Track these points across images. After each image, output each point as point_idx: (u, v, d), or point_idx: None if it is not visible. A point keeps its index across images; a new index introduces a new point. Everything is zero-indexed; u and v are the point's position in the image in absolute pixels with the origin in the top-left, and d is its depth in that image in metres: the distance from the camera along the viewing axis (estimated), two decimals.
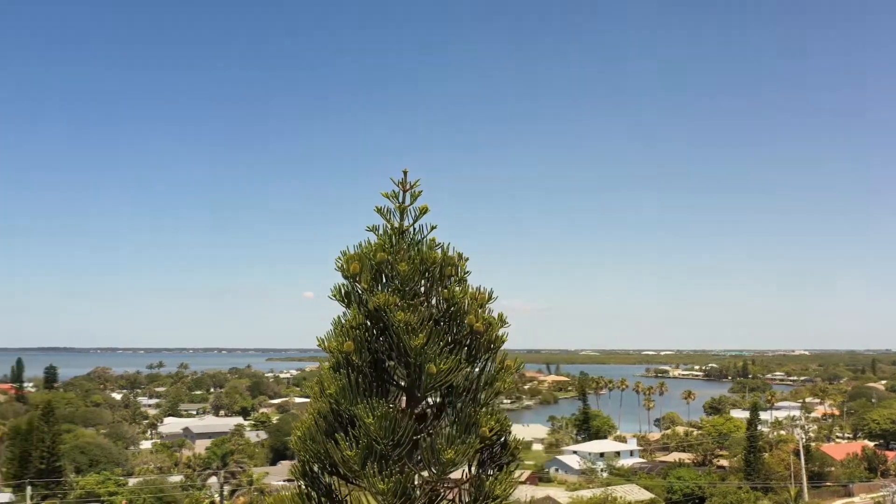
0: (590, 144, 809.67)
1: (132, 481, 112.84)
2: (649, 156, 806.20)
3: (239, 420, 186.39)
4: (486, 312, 7.40)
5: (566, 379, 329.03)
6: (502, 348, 7.36)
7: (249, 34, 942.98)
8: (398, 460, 6.65)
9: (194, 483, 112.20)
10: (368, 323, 7.20)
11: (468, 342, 7.26)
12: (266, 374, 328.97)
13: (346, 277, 7.36)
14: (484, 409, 7.03)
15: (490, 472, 7.07)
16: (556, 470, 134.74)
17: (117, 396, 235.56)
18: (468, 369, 7.18)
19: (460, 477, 6.97)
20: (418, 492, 6.66)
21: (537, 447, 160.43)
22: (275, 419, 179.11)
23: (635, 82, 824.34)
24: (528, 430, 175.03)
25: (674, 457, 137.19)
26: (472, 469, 7.06)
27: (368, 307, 7.15)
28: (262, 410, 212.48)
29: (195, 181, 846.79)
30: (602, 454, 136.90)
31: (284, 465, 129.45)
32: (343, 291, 7.40)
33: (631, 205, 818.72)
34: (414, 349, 6.82)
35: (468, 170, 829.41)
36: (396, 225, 7.47)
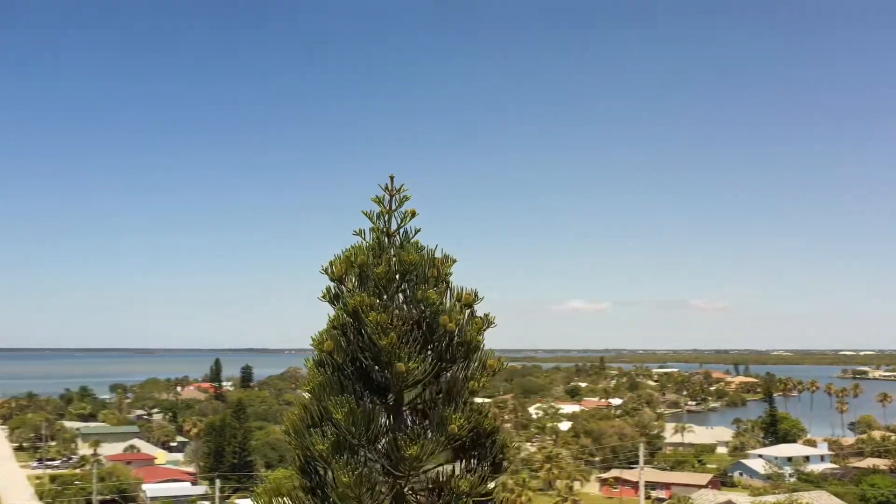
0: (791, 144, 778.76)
1: None
2: (854, 154, 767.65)
3: None
4: (468, 313, 7.55)
5: (755, 380, 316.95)
6: (486, 348, 7.48)
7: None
8: (368, 457, 6.91)
9: None
10: (352, 323, 7.49)
11: (444, 342, 7.43)
12: None
13: (331, 280, 7.70)
14: (453, 408, 7.17)
15: (483, 469, 7.22)
16: (741, 474, 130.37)
17: (307, 395, 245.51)
18: (450, 368, 7.35)
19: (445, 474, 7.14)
20: (387, 486, 6.89)
21: (721, 450, 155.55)
22: None
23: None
24: (712, 433, 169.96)
25: (868, 463, 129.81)
26: (458, 467, 7.22)
27: (348, 308, 7.45)
28: None
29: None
30: (790, 459, 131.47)
31: None
32: (332, 293, 7.74)
33: (827, 198, 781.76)
34: (384, 348, 7.07)
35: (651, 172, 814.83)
36: (384, 228, 7.75)
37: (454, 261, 7.72)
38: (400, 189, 7.72)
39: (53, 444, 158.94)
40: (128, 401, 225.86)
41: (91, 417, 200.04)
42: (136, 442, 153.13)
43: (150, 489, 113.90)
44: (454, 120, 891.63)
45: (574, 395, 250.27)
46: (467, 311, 7.50)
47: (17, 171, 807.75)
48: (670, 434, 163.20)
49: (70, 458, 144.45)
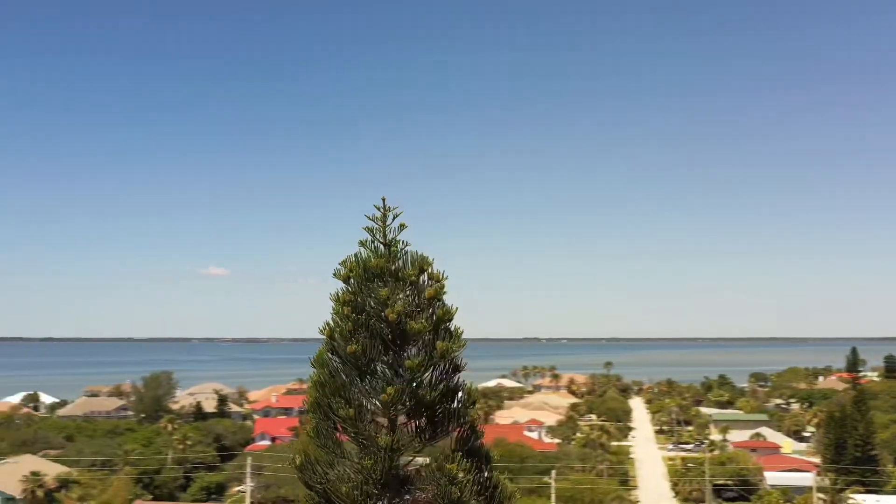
0: None
1: None
2: None
3: None
4: (435, 305, 9.20)
5: None
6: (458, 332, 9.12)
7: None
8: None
9: None
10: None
11: (390, 329, 9.24)
12: None
13: (342, 281, 9.88)
14: (385, 382, 9.02)
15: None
16: None
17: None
18: (400, 352, 9.20)
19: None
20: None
21: None
22: None
23: None
24: None
25: None
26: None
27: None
28: None
29: None
30: None
31: None
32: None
33: None
34: (340, 334, 9.14)
35: None
36: (381, 239, 9.77)
37: (429, 263, 9.49)
38: (387, 208, 9.71)
39: (690, 428, 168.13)
40: (765, 389, 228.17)
41: (728, 405, 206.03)
42: (764, 430, 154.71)
43: (771, 477, 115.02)
44: None
45: None
46: (433, 304, 9.20)
47: None
48: None
49: (702, 443, 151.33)
